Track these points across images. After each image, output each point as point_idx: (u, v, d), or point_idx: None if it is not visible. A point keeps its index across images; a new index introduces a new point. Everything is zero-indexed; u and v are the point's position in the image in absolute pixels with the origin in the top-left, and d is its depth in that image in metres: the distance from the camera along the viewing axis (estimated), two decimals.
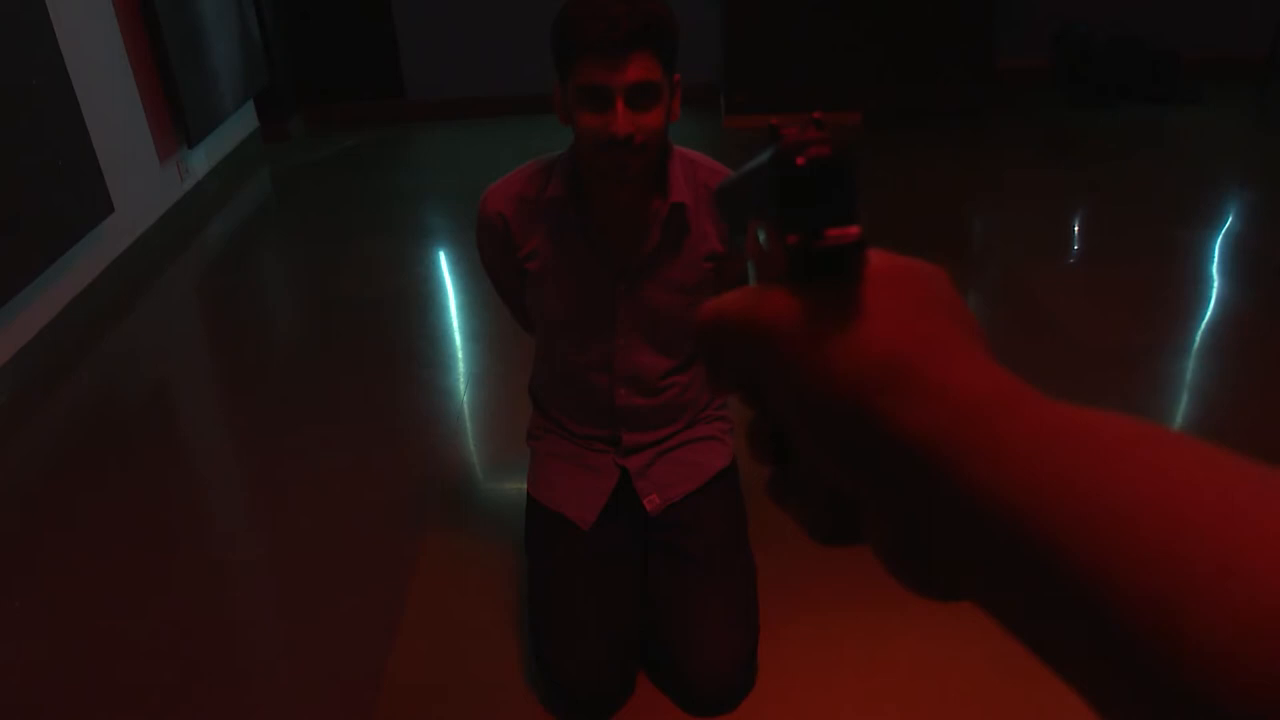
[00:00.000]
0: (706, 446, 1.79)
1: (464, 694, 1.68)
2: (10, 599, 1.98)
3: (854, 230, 0.31)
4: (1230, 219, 3.50)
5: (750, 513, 1.80)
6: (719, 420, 1.83)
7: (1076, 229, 3.58)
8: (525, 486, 1.83)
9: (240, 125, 4.61)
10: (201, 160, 4.17)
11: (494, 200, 1.62)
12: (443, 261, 3.58)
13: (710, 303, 0.36)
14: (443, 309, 3.22)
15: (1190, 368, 2.60)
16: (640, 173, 1.50)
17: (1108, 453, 0.26)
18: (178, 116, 3.82)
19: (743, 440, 0.38)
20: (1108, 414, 0.28)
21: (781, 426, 0.34)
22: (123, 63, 3.53)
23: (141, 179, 3.60)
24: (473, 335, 2.98)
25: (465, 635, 1.80)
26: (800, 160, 0.31)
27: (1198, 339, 2.71)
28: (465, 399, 2.62)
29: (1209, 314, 2.84)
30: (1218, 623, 0.22)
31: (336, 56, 5.07)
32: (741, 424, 1.95)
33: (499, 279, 1.76)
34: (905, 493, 0.30)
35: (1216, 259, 3.20)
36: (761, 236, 0.35)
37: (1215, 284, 3.03)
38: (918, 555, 0.31)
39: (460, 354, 2.88)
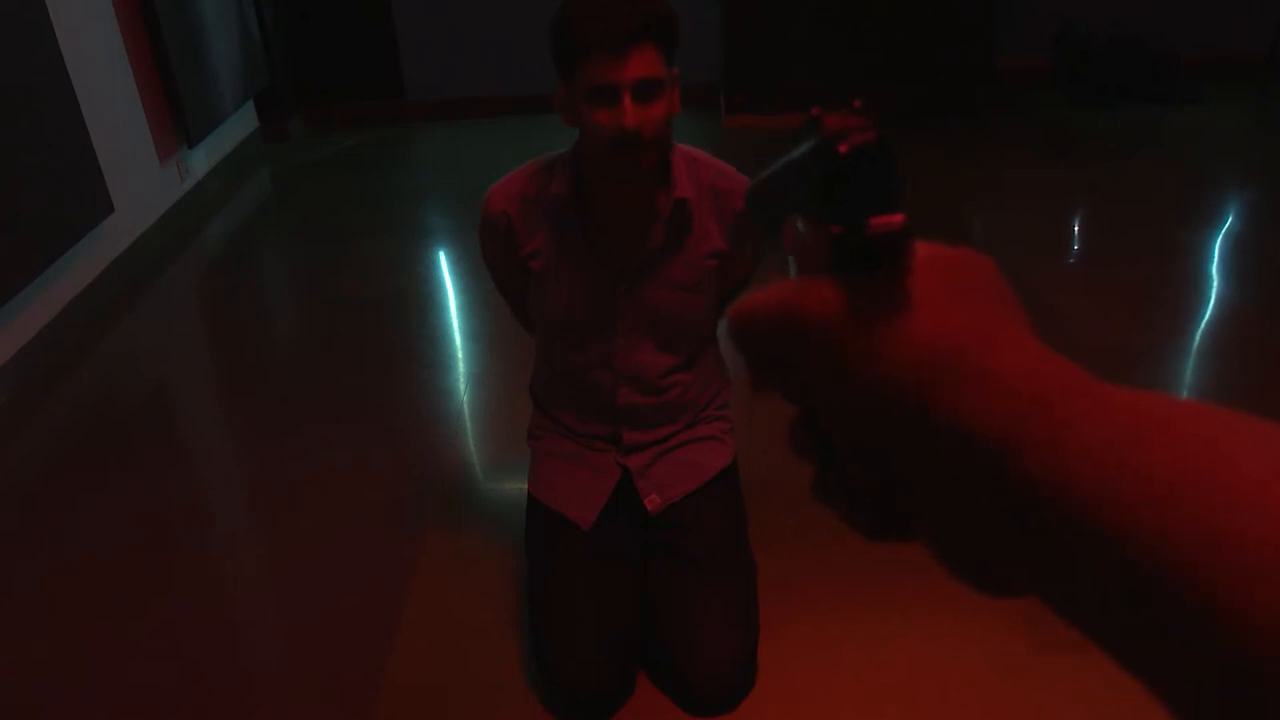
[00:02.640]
0: (707, 446, 1.79)
1: (464, 694, 1.68)
2: (10, 599, 1.98)
3: (899, 218, 0.31)
4: (1230, 219, 3.50)
5: (750, 513, 1.80)
6: (719, 420, 1.83)
7: (1076, 229, 3.58)
8: (525, 486, 1.83)
9: (240, 125, 4.61)
10: (201, 160, 4.16)
11: (496, 199, 1.62)
12: (443, 261, 3.58)
13: (746, 299, 0.35)
14: (443, 309, 3.22)
15: (1190, 368, 2.60)
16: (648, 169, 1.50)
17: (1172, 445, 0.25)
18: (178, 116, 3.82)
19: (789, 435, 0.37)
20: (1166, 401, 0.27)
21: (828, 424, 0.34)
22: (123, 63, 3.53)
23: (141, 179, 3.60)
24: (473, 335, 2.98)
25: (465, 635, 1.80)
26: (843, 148, 0.30)
27: (1198, 339, 2.71)
28: (465, 399, 2.62)
29: (1209, 314, 2.84)
30: None
31: (336, 56, 5.07)
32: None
33: (501, 278, 1.76)
34: (960, 488, 0.29)
35: (1216, 259, 3.20)
36: (801, 228, 0.34)
37: (1215, 284, 3.03)
38: (974, 551, 0.30)
39: (460, 354, 2.88)
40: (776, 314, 0.33)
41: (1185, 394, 2.49)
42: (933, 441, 0.29)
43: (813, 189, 0.32)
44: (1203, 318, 2.82)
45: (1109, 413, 0.27)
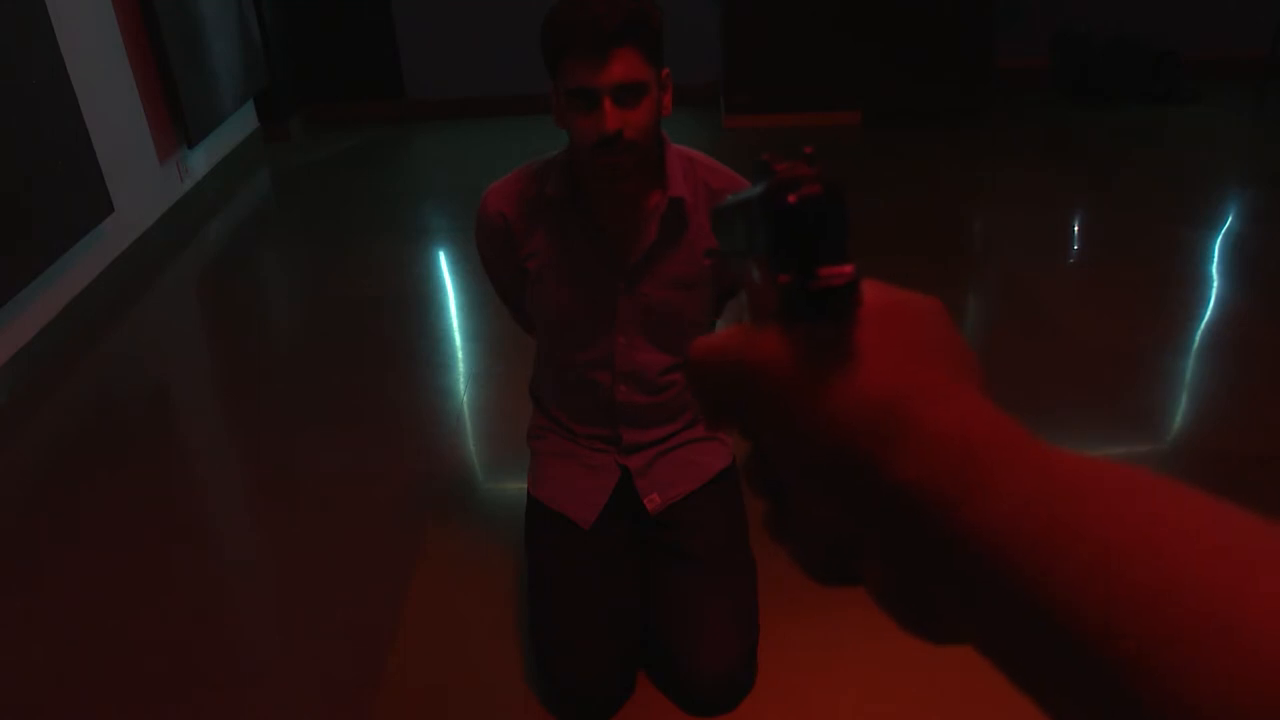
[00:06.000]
0: (707, 446, 1.79)
1: (464, 694, 1.68)
2: (10, 599, 1.98)
3: (847, 269, 0.30)
4: (1230, 219, 3.50)
5: (750, 513, 1.80)
6: None
7: (1076, 229, 3.58)
8: (525, 486, 1.83)
9: (240, 125, 4.61)
10: (201, 160, 4.17)
11: (494, 200, 1.63)
12: (443, 261, 3.58)
13: (702, 340, 0.35)
14: (443, 309, 3.22)
15: (1190, 368, 2.60)
16: (635, 170, 1.50)
17: (1104, 506, 0.26)
18: (178, 116, 3.82)
19: (743, 472, 0.37)
20: (1102, 462, 0.27)
21: (775, 468, 0.34)
22: (123, 63, 3.53)
23: (141, 179, 3.60)
24: (473, 335, 2.98)
25: (465, 635, 1.80)
26: (792, 199, 0.30)
27: (1198, 339, 2.71)
28: (465, 399, 2.62)
29: (1209, 314, 2.84)
30: (1215, 682, 0.22)
31: (336, 56, 5.07)
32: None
33: (499, 279, 1.76)
34: (901, 540, 0.29)
35: (1216, 259, 3.20)
36: (755, 272, 0.34)
37: (1215, 284, 3.03)
38: (913, 600, 0.30)
39: (460, 354, 2.88)
40: (725, 361, 0.33)
41: (1185, 394, 2.49)
42: (869, 500, 0.29)
43: (762, 237, 0.32)
44: (1203, 318, 2.82)
45: (1044, 477, 0.27)
